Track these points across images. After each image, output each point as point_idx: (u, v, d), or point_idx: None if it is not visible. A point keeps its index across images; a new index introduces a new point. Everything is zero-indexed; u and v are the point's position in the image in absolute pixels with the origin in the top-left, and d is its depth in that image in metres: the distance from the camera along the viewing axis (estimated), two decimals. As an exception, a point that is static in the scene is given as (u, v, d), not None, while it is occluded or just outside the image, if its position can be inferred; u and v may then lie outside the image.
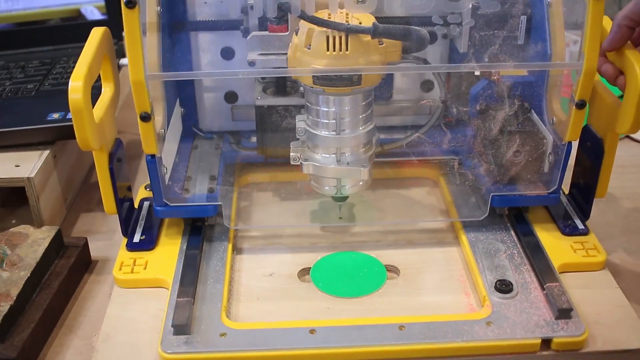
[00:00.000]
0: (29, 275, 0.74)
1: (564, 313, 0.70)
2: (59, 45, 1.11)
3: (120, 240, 0.83)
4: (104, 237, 0.89)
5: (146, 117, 0.73)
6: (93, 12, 1.11)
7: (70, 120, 0.87)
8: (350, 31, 0.71)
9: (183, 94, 0.94)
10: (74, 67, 1.01)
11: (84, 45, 0.76)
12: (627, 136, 1.09)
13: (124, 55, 1.03)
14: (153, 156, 0.76)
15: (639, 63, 0.71)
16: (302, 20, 0.73)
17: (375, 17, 0.74)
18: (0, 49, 1.12)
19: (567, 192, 0.89)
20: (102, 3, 1.11)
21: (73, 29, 1.11)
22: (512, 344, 0.68)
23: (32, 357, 0.70)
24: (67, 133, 0.89)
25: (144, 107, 0.72)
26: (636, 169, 1.02)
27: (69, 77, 0.99)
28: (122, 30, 1.11)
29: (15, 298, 0.71)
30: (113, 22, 1.09)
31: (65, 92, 0.95)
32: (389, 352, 0.68)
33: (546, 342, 0.69)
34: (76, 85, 0.70)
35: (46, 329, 0.74)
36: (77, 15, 1.12)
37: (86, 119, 0.70)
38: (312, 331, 0.69)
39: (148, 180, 0.91)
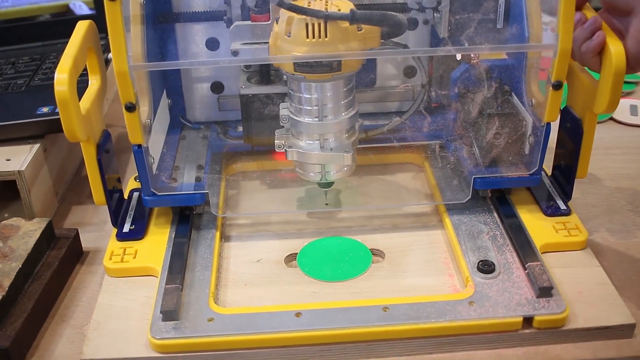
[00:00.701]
0: (20, 266, 0.75)
1: (545, 291, 0.71)
2: (48, 40, 1.13)
3: (111, 231, 0.84)
4: (95, 229, 0.90)
5: (131, 108, 0.74)
6: (81, 7, 1.12)
7: (59, 114, 0.89)
8: (329, 18, 0.72)
9: (170, 86, 0.95)
10: (63, 62, 1.03)
11: (72, 40, 0.77)
12: (611, 118, 1.10)
13: (112, 49, 1.05)
14: (139, 146, 0.77)
15: (613, 44, 0.72)
16: (281, 9, 0.74)
17: (354, 4, 0.75)
18: (-11, 45, 1.14)
19: (550, 174, 0.90)
20: (90, -2, 1.12)
21: (62, 25, 1.12)
22: (494, 323, 0.69)
23: (24, 347, 0.71)
24: (56, 126, 0.89)
25: (128, 98, 0.74)
26: (619, 150, 1.03)
27: (58, 72, 1.01)
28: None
29: (7, 289, 0.72)
30: (101, 16, 1.10)
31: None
32: (373, 333, 0.69)
33: (528, 321, 0.70)
34: (61, 77, 0.71)
35: (38, 318, 0.75)
36: (66, 10, 1.13)
37: (72, 110, 0.72)
38: (297, 314, 0.70)
39: (137, 172, 0.93)
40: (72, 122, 0.72)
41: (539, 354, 0.69)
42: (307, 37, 0.73)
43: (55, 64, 1.03)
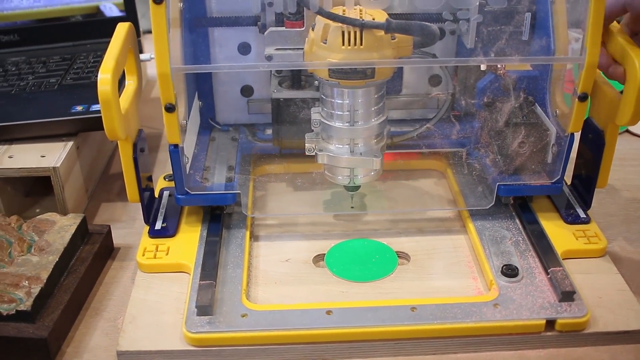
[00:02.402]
0: (57, 259, 0.77)
1: (567, 296, 0.73)
2: (79, 41, 1.15)
3: (140, 228, 0.87)
4: (125, 226, 0.92)
5: (171, 108, 0.76)
6: (112, 9, 1.14)
7: (93, 112, 0.91)
8: (365, 27, 0.74)
9: (201, 88, 0.97)
10: (94, 63, 1.06)
11: (102, 41, 0.79)
12: (627, 130, 1.12)
13: (141, 51, 1.07)
14: (176, 146, 0.80)
15: (638, 56, 0.75)
16: (318, 16, 0.76)
17: (388, 14, 0.78)
18: (22, 44, 1.16)
19: (569, 183, 0.93)
20: (121, 0, 1.14)
21: (92, 26, 1.14)
22: (518, 325, 0.71)
23: (61, 337, 0.73)
24: (90, 125, 0.92)
25: (168, 99, 0.76)
26: (636, 162, 1.05)
27: (89, 72, 1.03)
28: (139, 26, 1.15)
29: (45, 281, 0.74)
30: (131, 18, 1.12)
31: (86, 86, 0.99)
32: (402, 332, 0.71)
33: (550, 323, 0.72)
34: (105, 77, 0.73)
35: (74, 311, 0.77)
36: (96, 12, 1.15)
37: (114, 109, 0.73)
38: (328, 312, 0.72)
39: (165, 172, 0.95)
40: (114, 121, 0.74)
41: (560, 356, 0.71)
42: (343, 44, 0.75)
43: (86, 64, 1.06)
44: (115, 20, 0.84)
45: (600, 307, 0.74)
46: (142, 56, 1.05)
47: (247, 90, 0.99)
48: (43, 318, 0.72)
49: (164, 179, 0.95)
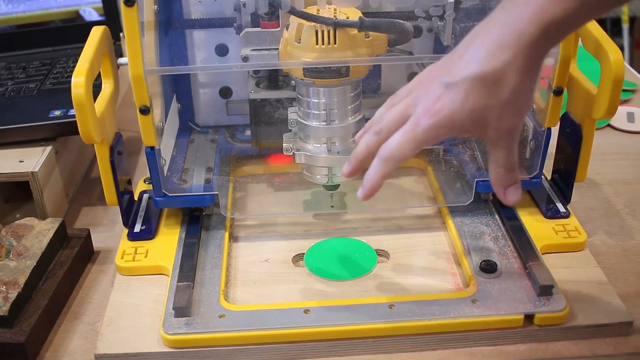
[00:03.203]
0: (35, 264, 0.77)
1: (546, 290, 0.73)
2: (58, 46, 1.15)
3: (120, 232, 0.86)
4: (105, 230, 0.92)
5: (145, 111, 0.76)
6: (91, 14, 1.14)
7: (71, 117, 0.91)
8: (338, 25, 0.74)
9: (180, 90, 0.97)
10: (73, 67, 1.05)
11: (82, 46, 0.79)
12: (609, 125, 1.13)
13: (121, 55, 1.07)
14: (152, 148, 0.80)
15: (612, 51, 0.75)
16: (292, 16, 0.76)
17: (362, 12, 0.78)
18: (1, 50, 1.16)
19: (549, 177, 0.93)
20: (100, 4, 1.14)
21: (72, 30, 1.14)
22: (497, 320, 0.71)
23: (39, 342, 0.73)
24: (68, 129, 0.92)
25: (143, 101, 0.76)
26: (616, 156, 1.05)
27: (69, 77, 1.03)
28: (120, 30, 1.15)
29: (22, 286, 0.74)
30: (110, 23, 1.12)
31: (65, 91, 0.98)
32: (379, 329, 0.71)
33: (529, 318, 0.72)
34: (78, 81, 0.73)
35: (52, 315, 0.77)
36: (76, 16, 1.15)
37: (88, 112, 0.74)
38: (306, 311, 0.72)
39: (147, 174, 0.95)
40: (88, 125, 0.74)
41: (539, 351, 0.71)
42: (317, 43, 0.75)
43: (65, 69, 1.06)
44: (95, 25, 0.84)
45: (579, 300, 0.74)
46: (122, 60, 1.05)
47: (225, 92, 0.99)
48: (21, 323, 0.72)
49: (144, 181, 0.95)
